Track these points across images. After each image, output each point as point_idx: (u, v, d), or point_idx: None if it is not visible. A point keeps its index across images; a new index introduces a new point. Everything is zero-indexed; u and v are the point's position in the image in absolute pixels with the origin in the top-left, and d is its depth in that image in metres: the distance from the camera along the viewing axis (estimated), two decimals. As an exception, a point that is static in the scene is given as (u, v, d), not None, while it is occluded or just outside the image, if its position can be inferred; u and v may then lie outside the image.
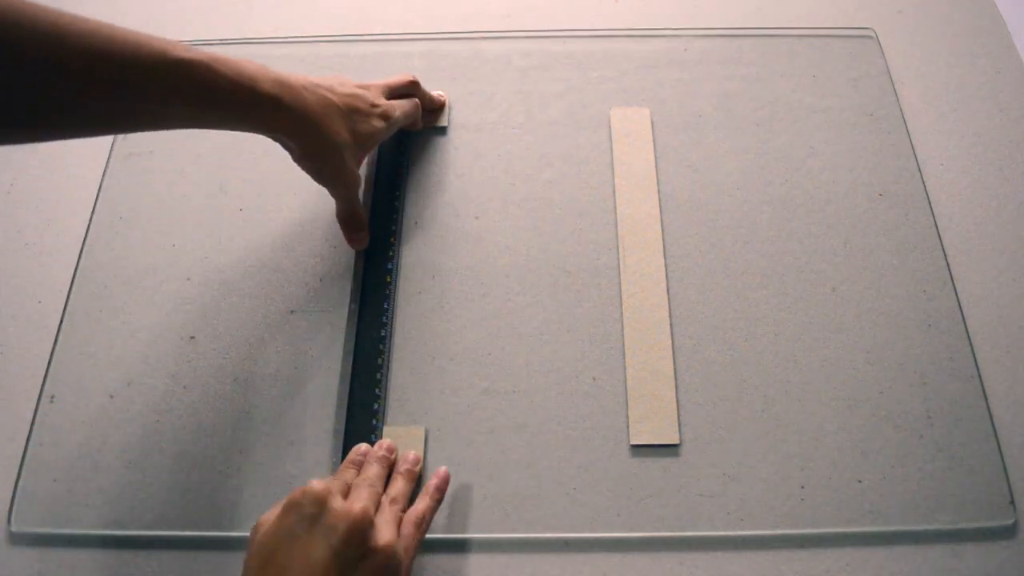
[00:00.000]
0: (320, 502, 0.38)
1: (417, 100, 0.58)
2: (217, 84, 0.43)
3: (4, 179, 0.60)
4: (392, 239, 0.56)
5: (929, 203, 0.57)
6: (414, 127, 0.60)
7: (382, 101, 0.54)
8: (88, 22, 0.39)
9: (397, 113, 0.55)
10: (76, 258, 0.56)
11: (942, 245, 0.55)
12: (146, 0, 0.69)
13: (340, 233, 0.55)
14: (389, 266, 0.55)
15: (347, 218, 0.54)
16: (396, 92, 0.57)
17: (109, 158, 0.60)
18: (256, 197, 0.58)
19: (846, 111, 0.61)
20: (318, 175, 0.51)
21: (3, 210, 0.59)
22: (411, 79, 0.58)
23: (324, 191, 0.53)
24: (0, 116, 0.37)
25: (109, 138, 0.61)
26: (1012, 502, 0.46)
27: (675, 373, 0.51)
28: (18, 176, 0.60)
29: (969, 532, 0.46)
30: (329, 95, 0.49)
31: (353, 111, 0.51)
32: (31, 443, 0.50)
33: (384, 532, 0.40)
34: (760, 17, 0.67)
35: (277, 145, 0.49)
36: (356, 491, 0.42)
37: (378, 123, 0.53)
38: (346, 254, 0.56)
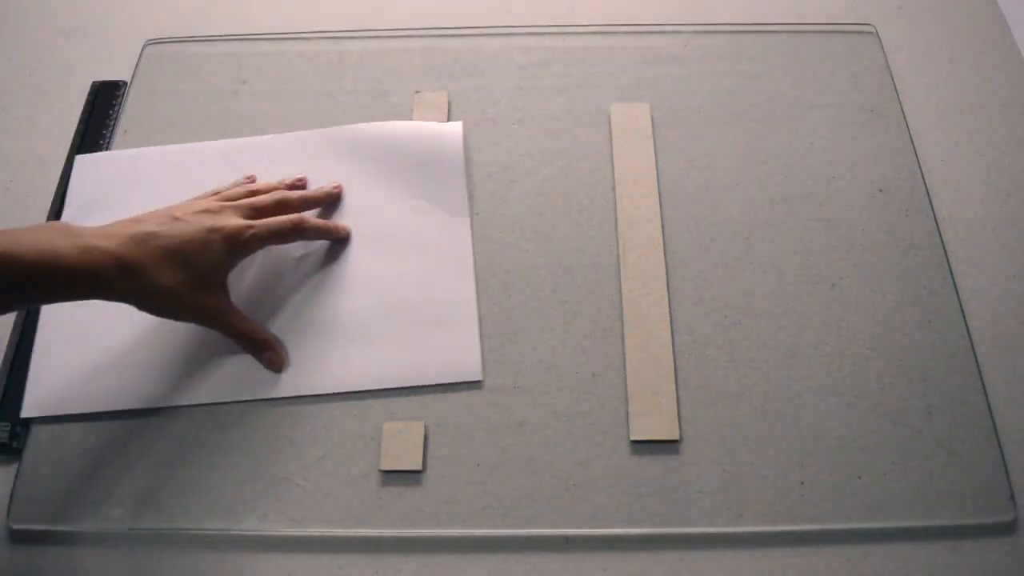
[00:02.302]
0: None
1: (297, 217, 0.53)
2: (24, 271, 0.41)
3: (3, 177, 0.60)
4: (391, 236, 0.56)
5: (929, 199, 0.57)
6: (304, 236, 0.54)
7: (226, 222, 0.49)
8: None
9: (249, 234, 0.49)
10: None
11: (942, 241, 0.55)
12: (144, -4, 0.69)
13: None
14: (388, 263, 0.55)
15: (242, 345, 0.51)
16: (262, 209, 0.52)
17: (108, 155, 0.60)
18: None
19: (846, 107, 0.61)
20: (181, 320, 0.49)
21: (3, 208, 0.59)
22: (276, 200, 0.53)
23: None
24: None
25: (106, 136, 0.61)
26: (1012, 498, 0.46)
27: (675, 369, 0.51)
28: (17, 174, 0.60)
29: (969, 528, 0.46)
30: (155, 243, 0.46)
31: (186, 247, 0.47)
32: (31, 440, 0.50)
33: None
34: (760, 13, 0.67)
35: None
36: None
37: (220, 248, 0.48)
38: (345, 251, 0.56)
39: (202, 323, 0.50)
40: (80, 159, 0.60)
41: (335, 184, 0.58)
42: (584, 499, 0.47)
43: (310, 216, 0.55)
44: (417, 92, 0.63)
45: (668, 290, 0.53)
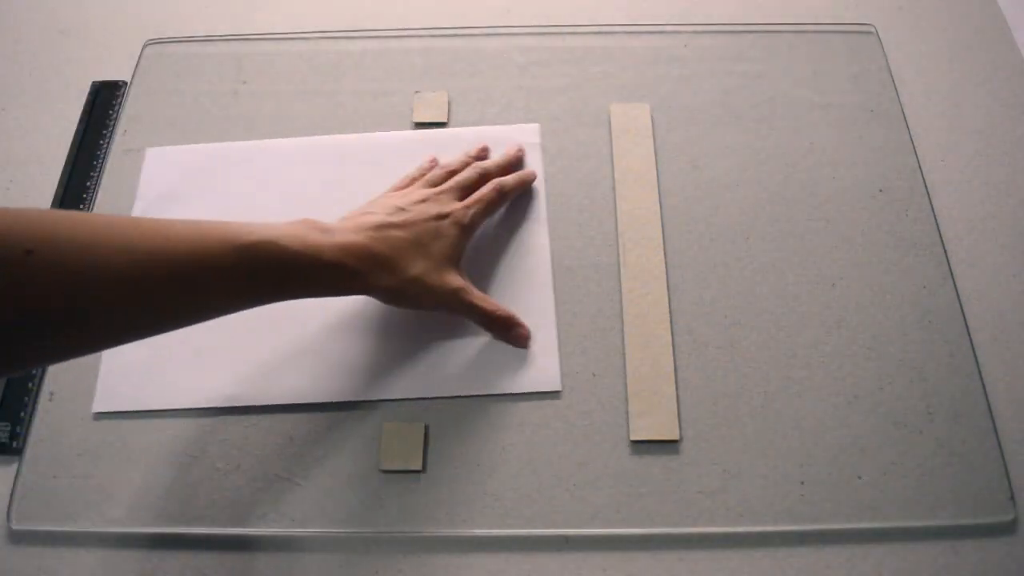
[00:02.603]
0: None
1: (496, 183, 0.54)
2: (286, 263, 0.42)
3: (3, 177, 0.60)
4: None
5: (929, 199, 0.57)
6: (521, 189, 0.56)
7: (450, 207, 0.51)
8: (142, 223, 0.39)
9: (471, 213, 0.51)
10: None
11: (942, 241, 0.55)
12: (144, -4, 0.69)
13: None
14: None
15: (485, 325, 0.51)
16: (469, 186, 0.53)
17: (108, 155, 0.60)
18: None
19: (846, 107, 0.61)
20: (422, 308, 0.49)
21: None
22: (479, 173, 0.54)
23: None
24: (52, 327, 0.36)
25: (106, 136, 0.61)
26: (1012, 498, 0.46)
27: (675, 369, 0.51)
28: (17, 174, 0.60)
29: (969, 528, 0.46)
30: (396, 233, 0.47)
31: (423, 236, 0.48)
32: (31, 440, 0.50)
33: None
34: (760, 13, 0.67)
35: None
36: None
37: (452, 232, 0.50)
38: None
39: (446, 308, 0.49)
40: (151, 152, 0.60)
41: (518, 146, 0.59)
42: (584, 499, 0.47)
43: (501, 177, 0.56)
44: (417, 92, 0.63)
45: (668, 290, 0.53)
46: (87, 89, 0.64)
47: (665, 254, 0.55)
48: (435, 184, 0.53)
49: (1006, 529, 0.46)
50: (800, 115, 0.61)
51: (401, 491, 0.48)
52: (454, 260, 0.50)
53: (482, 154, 0.58)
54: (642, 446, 0.49)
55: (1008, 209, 0.57)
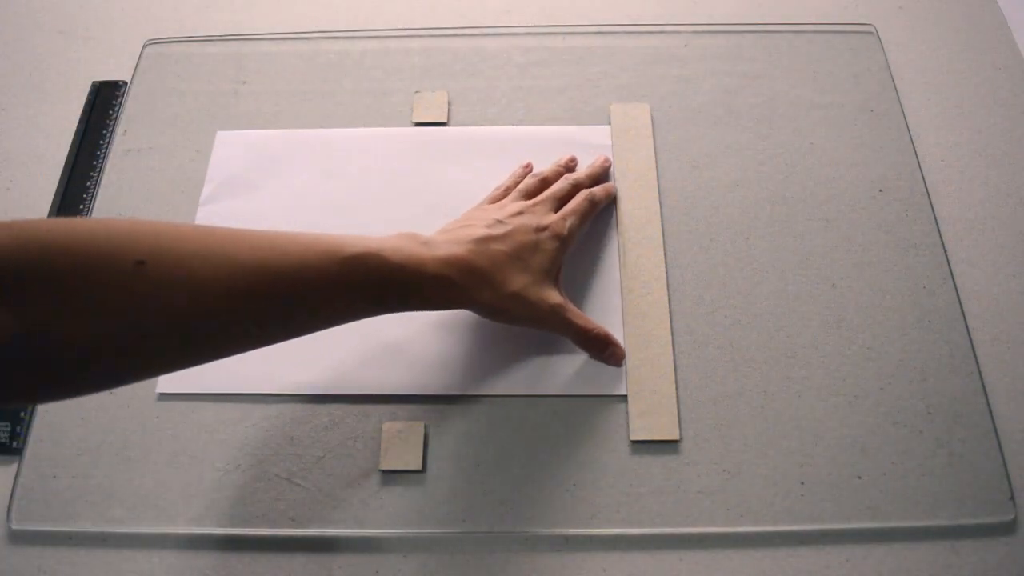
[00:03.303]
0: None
1: (588, 193, 0.54)
2: (389, 275, 0.42)
3: (3, 177, 0.60)
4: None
5: (929, 199, 0.57)
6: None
7: (548, 220, 0.50)
8: (248, 236, 0.39)
9: (568, 225, 0.50)
10: (75, 255, 0.56)
11: (942, 241, 0.55)
12: (144, -4, 0.69)
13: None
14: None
15: (581, 344, 0.50)
16: (563, 197, 0.53)
17: (108, 155, 0.60)
18: (255, 194, 0.58)
19: (846, 107, 0.61)
20: (519, 325, 0.48)
21: (2, 208, 0.59)
22: (571, 184, 0.54)
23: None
24: (162, 339, 0.36)
25: (106, 136, 0.61)
26: (1012, 498, 0.46)
27: (675, 369, 0.51)
28: (17, 174, 0.60)
29: (969, 528, 0.46)
30: (496, 247, 0.46)
31: (522, 250, 0.47)
32: (31, 440, 0.50)
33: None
34: (760, 13, 0.67)
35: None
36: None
37: (551, 246, 0.49)
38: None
39: (541, 325, 0.48)
40: (221, 135, 0.61)
41: (604, 157, 0.58)
42: (584, 499, 0.47)
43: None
44: (417, 92, 0.63)
45: (668, 289, 0.53)
46: (87, 89, 0.64)
47: (665, 253, 0.55)
48: (530, 195, 0.53)
49: (1006, 529, 0.46)
50: (800, 115, 0.61)
51: (401, 491, 0.48)
52: (552, 274, 0.49)
53: (571, 164, 0.58)
54: (642, 446, 0.48)
55: (1008, 209, 0.57)
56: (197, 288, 0.36)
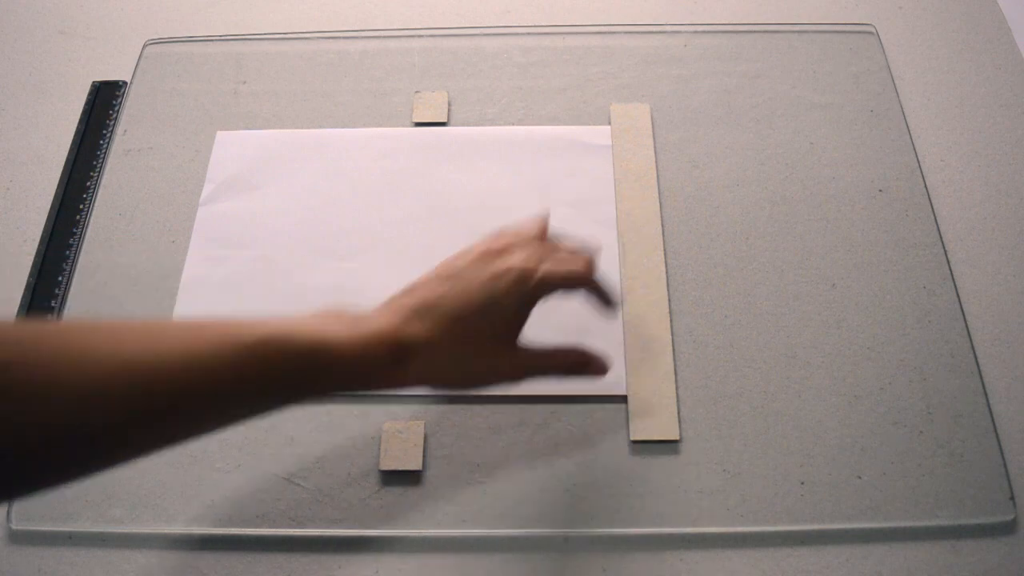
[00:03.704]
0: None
1: (590, 258, 0.44)
2: (293, 362, 0.36)
3: (3, 177, 0.60)
4: (392, 236, 0.56)
5: (929, 199, 0.57)
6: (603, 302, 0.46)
7: (512, 263, 0.41)
8: (131, 327, 0.34)
9: (538, 277, 0.41)
10: (75, 256, 0.56)
11: (942, 241, 0.55)
12: (144, -4, 0.69)
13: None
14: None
15: (561, 376, 0.45)
16: (534, 239, 0.43)
17: (107, 155, 0.60)
18: (255, 194, 0.58)
19: (846, 107, 0.61)
20: (476, 392, 0.44)
21: (2, 209, 0.59)
22: (584, 268, 0.43)
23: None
24: (39, 451, 0.31)
25: (106, 136, 0.61)
26: (1012, 498, 0.46)
27: (675, 369, 0.51)
28: (17, 174, 0.60)
29: (969, 528, 0.46)
30: (441, 309, 0.39)
31: (474, 310, 0.40)
32: (31, 440, 0.50)
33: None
34: (760, 13, 0.67)
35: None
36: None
37: (508, 301, 0.41)
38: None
39: (508, 385, 0.44)
40: (221, 135, 0.61)
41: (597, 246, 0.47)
42: (584, 499, 0.47)
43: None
44: (417, 92, 0.63)
45: (668, 289, 0.53)
46: (87, 89, 0.64)
47: (665, 254, 0.55)
48: (521, 235, 0.44)
49: (1006, 529, 0.46)
50: (800, 115, 0.61)
51: (401, 491, 0.48)
52: (514, 330, 0.42)
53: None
54: (642, 446, 0.48)
55: (1008, 209, 0.57)
56: (69, 390, 0.31)
